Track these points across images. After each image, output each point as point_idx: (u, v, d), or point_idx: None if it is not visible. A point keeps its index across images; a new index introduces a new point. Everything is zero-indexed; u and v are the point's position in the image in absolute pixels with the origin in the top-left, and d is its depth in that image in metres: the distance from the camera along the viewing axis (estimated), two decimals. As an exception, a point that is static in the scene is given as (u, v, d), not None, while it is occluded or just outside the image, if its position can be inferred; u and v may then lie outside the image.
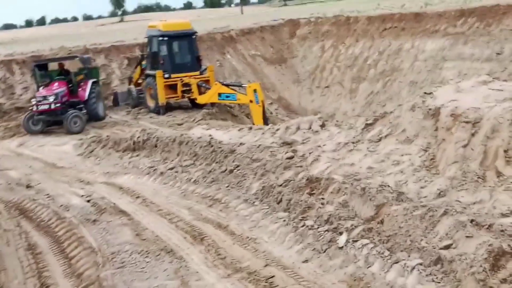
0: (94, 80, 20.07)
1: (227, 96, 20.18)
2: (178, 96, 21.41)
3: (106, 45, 25.96)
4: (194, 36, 21.93)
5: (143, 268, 6.57)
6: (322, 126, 11.10)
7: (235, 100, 20.20)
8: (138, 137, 12.68)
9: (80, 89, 19.49)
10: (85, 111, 19.24)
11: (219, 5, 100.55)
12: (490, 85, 8.99)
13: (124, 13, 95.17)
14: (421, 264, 5.47)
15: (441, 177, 7.70)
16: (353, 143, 9.44)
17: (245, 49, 28.55)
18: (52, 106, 18.37)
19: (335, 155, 9.15)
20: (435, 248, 5.63)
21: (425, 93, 9.32)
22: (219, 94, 20.18)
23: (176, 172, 10.56)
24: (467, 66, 24.00)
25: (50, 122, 18.56)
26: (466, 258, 5.25)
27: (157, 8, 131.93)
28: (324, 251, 6.42)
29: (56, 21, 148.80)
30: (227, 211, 8.35)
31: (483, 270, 4.97)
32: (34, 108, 18.51)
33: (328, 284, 5.83)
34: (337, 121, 12.70)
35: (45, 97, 18.52)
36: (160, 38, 21.36)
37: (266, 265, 6.46)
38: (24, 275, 6.86)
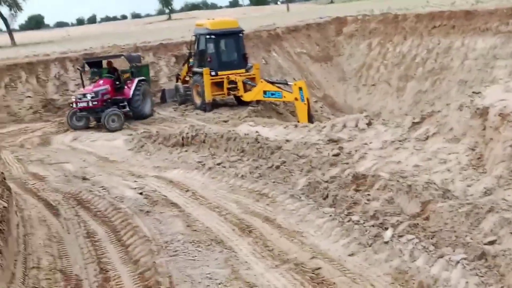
0: (141, 78, 20.59)
1: (273, 94, 20.55)
2: (224, 94, 21.90)
3: (154, 43, 26.71)
4: (241, 34, 22.37)
5: (195, 256, 6.97)
6: (369, 124, 11.31)
7: (281, 97, 20.56)
8: (187, 133, 13.16)
9: (126, 87, 20.10)
10: (127, 109, 19.85)
11: (264, 2, 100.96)
12: (540, 85, 9.03)
13: (172, 11, 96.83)
14: (465, 258, 5.67)
15: (488, 176, 7.83)
16: (399, 141, 9.63)
17: (291, 46, 28.83)
18: (90, 104, 19.09)
19: (381, 152, 9.36)
20: (480, 244, 5.81)
21: (473, 92, 9.43)
22: (265, 92, 20.57)
23: (224, 167, 10.96)
24: (519, 65, 23.63)
25: (92, 118, 19.41)
26: (510, 253, 5.43)
27: (204, 6, 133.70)
28: (370, 245, 6.67)
29: (106, 19, 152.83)
30: (274, 206, 8.68)
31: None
32: (74, 105, 19.39)
33: (373, 277, 6.09)
34: (383, 119, 12.85)
35: (84, 95, 19.30)
36: (208, 36, 21.90)
37: (312, 257, 6.76)
38: (84, 261, 7.36)
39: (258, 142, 11.17)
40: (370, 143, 9.97)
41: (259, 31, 28.49)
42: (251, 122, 14.04)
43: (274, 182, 9.57)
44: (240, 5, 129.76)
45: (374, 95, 27.40)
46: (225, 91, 21.71)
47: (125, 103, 19.87)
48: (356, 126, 11.32)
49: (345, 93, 28.22)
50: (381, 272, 6.14)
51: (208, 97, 21.32)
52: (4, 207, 7.70)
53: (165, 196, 9.80)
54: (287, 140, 10.98)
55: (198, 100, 21.92)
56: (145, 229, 8.12)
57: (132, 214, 8.88)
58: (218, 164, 11.16)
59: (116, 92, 20.05)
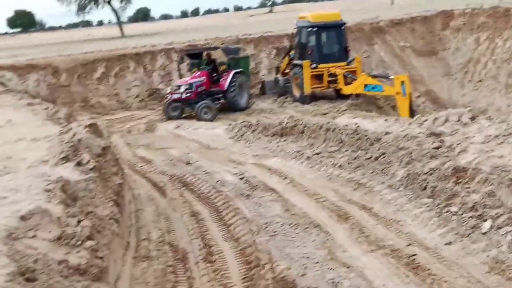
0: (238, 70, 21.11)
1: (373, 88, 20.58)
2: (323, 86, 22.20)
3: (255, 35, 27.43)
4: (343, 27, 22.56)
5: (293, 237, 7.38)
6: (472, 119, 11.18)
7: (381, 91, 20.55)
8: (286, 123, 13.58)
9: (222, 79, 20.77)
10: (222, 100, 20.60)
11: None
12: None
13: (274, 4, 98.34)
14: None
15: None
16: (503, 136, 9.49)
17: (394, 40, 28.52)
18: (183, 96, 19.99)
19: (483, 147, 9.29)
20: None
21: None
22: (365, 85, 20.64)
23: (322, 157, 11.28)
24: None
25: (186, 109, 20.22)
26: None
27: None
28: (468, 236, 6.78)
29: (208, 12, 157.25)
30: (371, 195, 8.92)
31: None
32: (169, 96, 20.36)
33: (470, 265, 6.21)
34: (489, 116, 12.62)
35: (179, 87, 20.22)
36: (309, 29, 22.26)
37: (408, 245, 6.96)
38: (189, 236, 7.99)
39: (357, 134, 11.38)
40: (473, 137, 9.89)
41: (361, 24, 28.45)
42: (350, 114, 14.20)
43: (372, 172, 9.79)
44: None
45: (481, 91, 26.50)
46: (325, 83, 22.00)
47: (220, 95, 20.56)
48: (459, 120, 11.23)
49: (449, 88, 27.52)
50: (478, 261, 6.25)
51: (308, 90, 21.70)
52: (119, 183, 8.50)
53: (264, 182, 10.30)
54: (387, 132, 11.10)
55: (297, 93, 22.34)
56: (245, 211, 8.65)
57: (233, 197, 9.45)
58: (317, 154, 11.50)
59: (212, 84, 20.74)
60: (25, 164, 8.00)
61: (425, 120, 11.79)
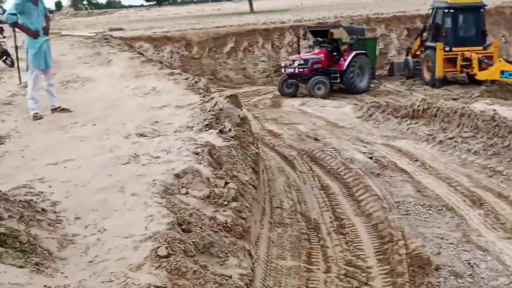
0: (360, 52, 20.89)
1: (510, 75, 19.66)
2: (456, 71, 21.59)
3: (387, 15, 27.06)
4: (482, 10, 21.68)
5: (426, 218, 7.49)
6: None
7: (519, 79, 19.59)
8: (418, 105, 13.47)
9: (342, 59, 20.65)
10: (338, 80, 20.46)
11: None
12: None
13: None
14: None
15: None
16: None
17: (537, 25, 26.92)
18: (296, 70, 20.08)
19: None
20: None
21: None
22: (502, 72, 19.80)
23: (456, 142, 11.15)
24: None
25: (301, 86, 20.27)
26: None
27: None
28: None
29: None
30: (508, 183, 8.76)
31: None
32: (283, 70, 20.57)
33: None
34: None
35: (293, 61, 20.40)
36: (446, 10, 21.64)
37: (551, 238, 6.84)
38: (320, 209, 8.34)
39: (495, 121, 11.08)
40: None
41: (501, 6, 27.09)
42: (487, 100, 13.79)
43: (510, 161, 9.57)
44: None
45: None
46: (458, 68, 21.39)
47: (337, 75, 20.43)
48: None
49: None
50: None
51: (439, 73, 21.23)
52: (256, 152, 9.01)
53: (394, 162, 10.40)
54: (528, 121, 10.75)
55: (427, 76, 21.92)
56: (376, 189, 8.84)
57: (363, 174, 9.66)
58: (450, 138, 11.38)
59: (332, 63, 20.76)
60: (172, 128, 8.72)
61: None
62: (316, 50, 21.21)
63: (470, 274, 5.73)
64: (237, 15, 40.28)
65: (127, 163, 7.03)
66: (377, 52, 23.78)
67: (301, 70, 20.17)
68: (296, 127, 14.60)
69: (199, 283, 4.54)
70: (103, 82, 13.65)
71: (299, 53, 22.49)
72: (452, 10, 21.49)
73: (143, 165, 6.95)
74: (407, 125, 13.07)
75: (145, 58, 17.55)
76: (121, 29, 29.64)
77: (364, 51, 21.23)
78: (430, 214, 7.63)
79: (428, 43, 22.28)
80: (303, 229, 7.41)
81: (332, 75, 20.45)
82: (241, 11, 47.18)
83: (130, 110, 10.29)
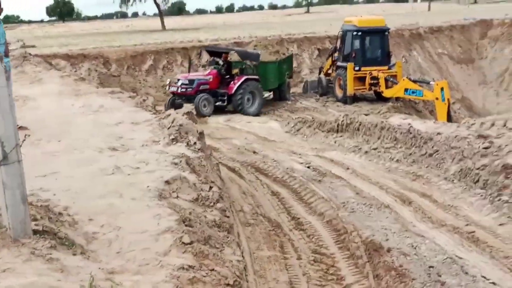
0: (252, 77, 21.23)
1: (413, 92, 22.21)
2: (365, 88, 23.87)
3: (299, 35, 29.13)
4: (386, 33, 24.18)
5: (369, 214, 9.05)
6: (517, 124, 12.75)
7: (421, 96, 22.17)
8: (342, 120, 15.23)
9: (232, 82, 21.02)
10: (225, 103, 20.82)
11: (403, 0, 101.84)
12: None
13: (310, 4, 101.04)
14: None
15: None
16: (547, 140, 11.07)
17: (432, 47, 30.12)
18: (179, 90, 20.52)
19: (529, 149, 10.87)
20: None
21: None
22: (406, 89, 22.28)
23: (379, 152, 12.94)
24: None
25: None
26: None
27: (342, 0, 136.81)
28: (519, 219, 8.40)
29: (243, 8, 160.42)
30: (429, 185, 10.57)
31: None
32: (167, 88, 21.02)
33: (522, 241, 7.84)
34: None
35: (178, 80, 20.82)
36: (354, 33, 23.90)
37: (467, 224, 8.60)
38: (276, 211, 9.69)
39: (411, 133, 12.99)
40: (519, 140, 11.48)
41: (401, 29, 30.05)
42: (401, 115, 15.83)
43: (427, 167, 11.43)
44: (378, 1, 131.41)
45: (516, 101, 28.02)
46: (367, 86, 23.67)
47: (225, 98, 20.86)
48: (505, 125, 12.81)
49: (484, 96, 29.07)
50: (528, 238, 7.87)
51: (350, 91, 23.40)
52: (217, 163, 10.24)
53: (330, 170, 11.98)
54: (438, 133, 12.71)
55: (339, 93, 24.04)
56: (321, 192, 10.34)
57: (307, 181, 11.14)
58: (374, 149, 13.17)
59: (222, 85, 21.14)
60: (137, 143, 9.74)
61: (473, 124, 13.38)
62: (208, 71, 21.75)
63: (414, 253, 7.30)
64: (149, 33, 41.09)
65: (113, 173, 8.02)
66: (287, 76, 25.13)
67: (184, 90, 20.53)
68: (230, 141, 15.89)
69: (219, 263, 5.73)
70: (44, 100, 14.24)
71: (188, 72, 22.59)
72: (360, 33, 23.82)
73: (128, 175, 7.98)
74: (333, 138, 14.77)
75: (77, 77, 18.17)
76: (33, 46, 29.60)
77: (256, 77, 21.52)
78: (372, 211, 9.21)
79: (339, 63, 24.48)
80: (268, 227, 8.74)
81: (220, 97, 20.88)
82: (152, 29, 47.96)
83: (87, 127, 11.11)
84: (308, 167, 12.25)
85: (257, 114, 21.32)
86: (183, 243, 5.78)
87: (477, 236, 8.12)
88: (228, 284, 5.41)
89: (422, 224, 8.70)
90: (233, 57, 22.30)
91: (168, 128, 10.40)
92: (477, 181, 10.10)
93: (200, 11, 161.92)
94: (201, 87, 20.71)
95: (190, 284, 5.19)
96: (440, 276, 6.67)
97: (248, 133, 17.21)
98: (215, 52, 23.17)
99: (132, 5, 62.74)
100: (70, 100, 14.04)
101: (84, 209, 6.78)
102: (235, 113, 20.86)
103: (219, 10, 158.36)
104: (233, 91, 20.85)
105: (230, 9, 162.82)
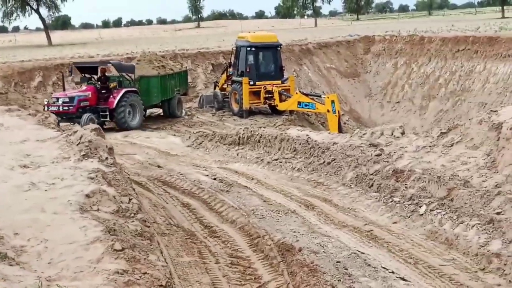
0: (130, 89, 21.21)
1: (306, 105, 23.55)
2: (260, 102, 24.94)
3: (192, 51, 29.82)
4: (278, 48, 25.45)
5: (278, 219, 9.85)
6: (403, 133, 14.21)
7: (314, 109, 23.55)
8: (243, 133, 16.07)
9: (111, 97, 20.67)
10: (107, 119, 20.57)
11: (290, 15, 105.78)
12: (545, 107, 11.90)
13: (201, 19, 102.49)
14: (479, 223, 8.51)
15: (499, 174, 10.67)
16: (429, 146, 12.51)
17: (321, 61, 31.95)
18: (61, 109, 19.69)
19: (415, 155, 12.24)
20: (481, 214, 8.67)
21: (491, 110, 12.31)
22: (299, 103, 23.57)
23: (281, 162, 13.87)
24: (537, 90, 26.52)
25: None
26: (508, 218, 8.27)
27: (230, 15, 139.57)
28: (409, 217, 9.54)
29: (131, 23, 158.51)
30: (329, 191, 11.58)
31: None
32: (45, 109, 19.34)
33: (412, 236, 8.94)
34: (413, 131, 15.74)
35: (57, 99, 20.09)
36: (248, 49, 24.94)
37: (365, 224, 9.62)
38: (189, 221, 10.24)
39: (309, 143, 14.05)
40: (406, 147, 12.86)
41: (291, 45, 31.63)
42: (298, 127, 16.92)
43: (326, 174, 12.47)
44: (266, 16, 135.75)
45: (398, 112, 30.39)
46: (262, 100, 24.74)
47: (107, 113, 20.45)
48: (392, 134, 14.23)
49: (370, 108, 31.22)
50: (418, 233, 9.00)
51: (246, 105, 24.36)
52: (128, 177, 10.62)
53: (235, 181, 12.70)
54: (334, 143, 13.87)
55: (235, 107, 24.94)
56: (230, 202, 11.02)
57: (215, 192, 11.79)
58: (275, 159, 14.07)
59: (101, 100, 20.68)
60: (47, 160, 9.97)
61: (364, 134, 14.71)
62: (84, 87, 21.04)
63: (323, 251, 8.16)
64: (35, 48, 40.02)
65: (29, 190, 8.27)
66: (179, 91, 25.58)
67: (66, 108, 19.81)
68: (132, 157, 16.19)
69: (150, 267, 6.23)
70: None
71: (64, 90, 21.86)
72: (253, 49, 24.90)
73: (46, 190, 8.26)
74: (235, 151, 15.55)
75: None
76: None
77: (134, 89, 21.44)
78: (280, 216, 10.02)
79: (234, 78, 25.41)
80: (184, 236, 9.28)
81: (102, 113, 20.42)
82: (37, 44, 46.62)
83: (-10, 145, 11.10)
84: (215, 179, 12.89)
85: (139, 127, 21.31)
86: (115, 250, 6.22)
87: (375, 234, 9.14)
88: (161, 285, 5.93)
89: (326, 226, 9.62)
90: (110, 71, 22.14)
91: (77, 144, 10.64)
92: (372, 185, 11.24)
93: (86, 26, 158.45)
94: (82, 104, 20.16)
95: (127, 286, 5.65)
96: (346, 269, 7.56)
97: (149, 148, 17.58)
98: (86, 68, 22.42)
99: (15, 19, 60.46)
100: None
101: (8, 225, 7.00)
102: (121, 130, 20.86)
103: (106, 24, 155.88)
104: (114, 105, 20.48)
105: (117, 23, 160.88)
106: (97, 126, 11.92)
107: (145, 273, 6.06)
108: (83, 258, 6.19)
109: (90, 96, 20.48)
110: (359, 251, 8.25)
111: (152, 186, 12.70)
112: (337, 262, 7.78)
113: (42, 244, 6.59)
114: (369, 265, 7.73)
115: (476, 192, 9.49)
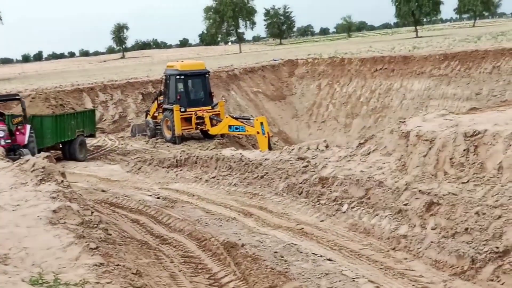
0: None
1: (237, 128, 25.37)
2: (192, 128, 26.60)
3: (121, 81, 31.19)
4: (207, 75, 27.27)
5: (221, 225, 11.48)
6: (327, 147, 16.19)
7: (244, 131, 25.41)
8: (180, 156, 17.64)
9: (18, 133, 19.38)
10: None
11: (215, 42, 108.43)
12: (445, 117, 14.15)
13: (125, 49, 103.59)
14: (390, 214, 10.45)
15: (408, 175, 12.73)
16: (350, 156, 14.48)
17: (248, 86, 33.98)
18: (2, 142, 18.30)
19: (337, 164, 14.17)
20: (392, 206, 10.64)
21: (400, 121, 14.46)
22: (230, 126, 25.37)
23: (218, 179, 15.52)
24: (449, 104, 29.45)
25: None
26: (413, 207, 10.24)
27: (154, 45, 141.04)
28: (334, 215, 11.40)
29: (53, 56, 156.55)
30: (264, 200, 13.32)
31: (421, 211, 9.96)
32: None
33: (337, 229, 10.79)
34: (338, 145, 17.80)
35: None
36: (178, 77, 26.62)
37: (297, 224, 11.40)
38: (140, 233, 11.70)
39: (243, 161, 15.79)
40: (329, 158, 14.79)
41: (218, 71, 33.53)
42: (232, 147, 18.65)
43: (260, 186, 14.23)
44: (190, 45, 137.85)
45: (324, 130, 32.73)
46: (193, 125, 26.41)
47: (19, 151, 18.67)
48: (317, 148, 16.17)
49: (298, 128, 33.43)
50: (342, 227, 10.86)
51: (178, 131, 25.94)
52: (82, 197, 11.98)
53: (178, 198, 14.25)
54: (266, 159, 15.66)
55: (168, 134, 26.47)
56: (176, 215, 12.57)
57: (161, 208, 13.30)
58: (213, 177, 15.72)
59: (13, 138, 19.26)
60: (6, 186, 11.23)
61: (292, 149, 16.59)
62: None
63: (262, 245, 9.86)
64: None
65: (-2, 211, 9.55)
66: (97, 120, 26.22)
67: (8, 141, 18.79)
68: (75, 185, 17.37)
69: (121, 260, 7.73)
70: None
71: None
72: (183, 77, 26.60)
73: (14, 210, 9.58)
74: (174, 172, 17.09)
75: None
76: None
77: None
78: (222, 223, 11.67)
79: (166, 106, 26.97)
80: (138, 244, 10.75)
81: (17, 152, 18.61)
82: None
83: None
84: (158, 198, 14.40)
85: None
86: (90, 248, 7.69)
87: (305, 231, 10.94)
88: (133, 273, 7.44)
89: (264, 228, 11.34)
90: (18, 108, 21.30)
91: (32, 171, 11.94)
92: (301, 192, 13.07)
93: (6, 61, 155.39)
94: (6, 142, 18.88)
95: (105, 274, 7.14)
96: (282, 256, 9.29)
97: (89, 176, 18.81)
98: None
99: None
100: None
101: (-11, 238, 8.30)
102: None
103: (26, 58, 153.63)
104: (25, 141, 19.45)
105: (38, 57, 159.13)
106: (48, 154, 13.15)
107: (118, 265, 7.56)
108: (62, 258, 7.62)
109: (7, 132, 19.06)
110: (292, 243, 10.02)
111: (100, 208, 14.03)
112: (274, 252, 9.51)
113: (23, 251, 7.94)
114: (301, 252, 9.51)
115: (388, 190, 11.47)
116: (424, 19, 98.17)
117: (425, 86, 30.58)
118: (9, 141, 18.77)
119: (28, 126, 19.82)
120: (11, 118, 19.86)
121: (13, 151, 18.45)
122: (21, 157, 15.56)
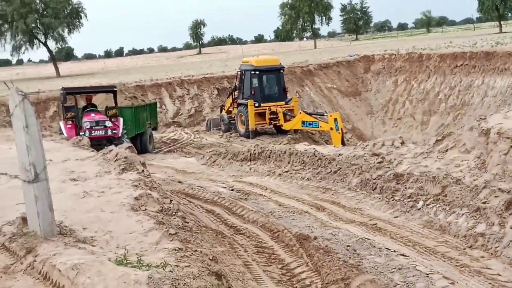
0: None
1: (310, 124, 25.57)
2: (265, 123, 26.99)
3: (198, 77, 31.96)
4: (282, 71, 27.57)
5: (294, 218, 11.75)
6: (402, 143, 16.16)
7: (317, 127, 25.56)
8: (254, 150, 18.02)
9: (114, 125, 20.04)
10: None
11: (290, 38, 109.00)
12: (528, 114, 13.86)
13: (202, 45, 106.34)
14: (468, 212, 10.41)
15: (488, 173, 12.58)
16: (426, 153, 14.43)
17: (322, 82, 34.07)
18: (109, 132, 19.43)
19: (413, 160, 14.16)
20: (470, 204, 10.57)
21: (480, 118, 14.27)
22: (303, 122, 25.60)
23: (291, 173, 15.79)
24: (534, 102, 28.49)
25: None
26: (494, 207, 10.16)
27: (230, 40, 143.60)
28: (408, 211, 11.45)
29: (133, 52, 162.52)
30: (337, 195, 13.49)
31: (500, 210, 9.87)
32: (87, 134, 18.66)
33: (412, 226, 10.83)
34: (414, 141, 17.71)
35: (97, 122, 19.39)
36: (252, 72, 27.06)
37: (370, 220, 11.51)
38: (214, 223, 12.13)
39: (316, 156, 15.99)
40: (405, 154, 14.78)
41: (293, 67, 33.78)
42: (305, 142, 18.89)
43: (333, 181, 14.40)
44: (265, 40, 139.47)
45: (399, 128, 32.41)
46: (267, 120, 26.81)
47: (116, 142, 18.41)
48: (392, 144, 16.17)
49: (372, 126, 33.25)
50: (416, 224, 10.90)
51: (252, 126, 26.39)
52: (161, 186, 12.53)
53: (251, 190, 14.61)
54: (339, 154, 15.81)
55: (242, 128, 26.97)
56: (249, 206, 12.93)
57: (235, 200, 13.70)
58: (286, 172, 16.00)
59: None
60: (90, 174, 11.90)
61: (367, 145, 16.65)
62: (92, 114, 20.07)
63: (335, 238, 10.06)
64: (45, 80, 42.19)
65: (84, 197, 10.17)
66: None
67: (115, 131, 19.61)
68: (154, 175, 18.06)
69: (199, 246, 8.12)
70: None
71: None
72: (257, 72, 27.01)
73: (98, 197, 10.16)
74: (248, 166, 17.48)
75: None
76: None
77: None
78: (295, 216, 11.93)
79: (240, 101, 27.49)
80: (214, 233, 11.17)
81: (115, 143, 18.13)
82: (45, 76, 48.82)
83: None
84: (232, 190, 14.81)
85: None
86: (170, 234, 8.12)
87: (379, 226, 11.04)
88: (210, 259, 7.81)
89: (336, 222, 11.52)
90: (98, 99, 22.11)
91: (115, 161, 12.60)
92: (375, 188, 13.15)
93: (89, 56, 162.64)
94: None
95: (183, 258, 7.54)
96: (355, 250, 9.46)
97: (166, 168, 19.51)
98: (75, 94, 22.44)
99: (23, 52, 63.20)
100: (5, 145, 15.75)
101: (77, 221, 8.90)
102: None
103: (108, 54, 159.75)
104: (120, 133, 20.10)
105: (119, 53, 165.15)
106: (130, 144, 13.80)
107: (196, 250, 7.95)
108: (144, 241, 8.07)
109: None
110: (365, 238, 10.16)
111: (176, 198, 14.57)
112: (347, 246, 9.69)
113: (108, 234, 8.46)
114: (374, 246, 9.65)
115: (466, 188, 11.40)
116: (509, 14, 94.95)
117: (509, 83, 29.72)
118: (115, 131, 19.39)
119: (121, 119, 20.44)
120: (106, 110, 20.45)
121: (110, 142, 18.47)
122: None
